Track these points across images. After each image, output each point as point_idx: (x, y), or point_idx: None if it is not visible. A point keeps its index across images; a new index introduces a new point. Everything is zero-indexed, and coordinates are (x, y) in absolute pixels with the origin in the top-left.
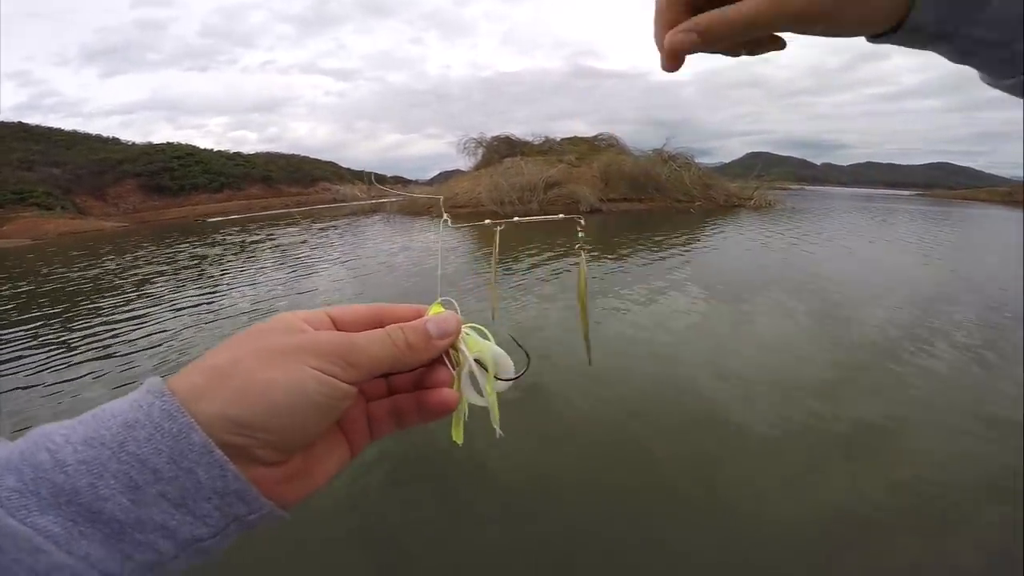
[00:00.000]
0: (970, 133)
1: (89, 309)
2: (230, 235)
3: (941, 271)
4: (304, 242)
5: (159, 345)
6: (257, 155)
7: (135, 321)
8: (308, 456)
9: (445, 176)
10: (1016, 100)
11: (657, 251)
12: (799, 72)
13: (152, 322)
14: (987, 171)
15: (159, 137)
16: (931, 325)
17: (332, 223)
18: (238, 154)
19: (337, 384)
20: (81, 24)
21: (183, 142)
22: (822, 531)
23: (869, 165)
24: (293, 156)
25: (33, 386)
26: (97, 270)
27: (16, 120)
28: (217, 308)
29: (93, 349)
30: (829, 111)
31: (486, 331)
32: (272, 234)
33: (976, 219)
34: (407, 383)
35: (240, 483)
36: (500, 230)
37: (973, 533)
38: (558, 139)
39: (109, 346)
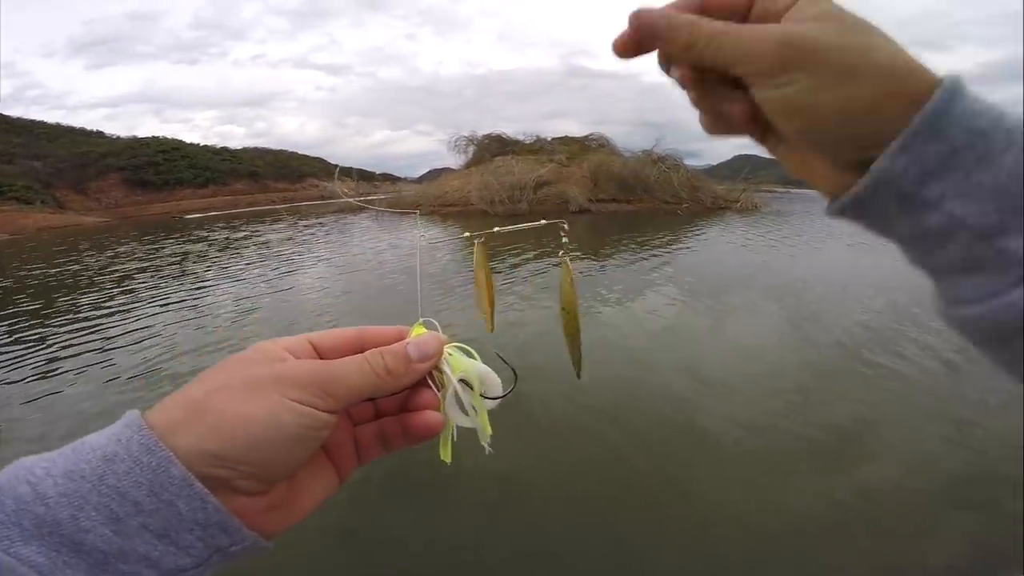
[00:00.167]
0: None
1: (67, 305)
2: (214, 231)
3: (917, 274)
4: (290, 239)
5: (142, 341)
6: (244, 150)
7: (116, 317)
8: (293, 484)
9: (435, 174)
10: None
11: (639, 252)
12: None
13: (134, 319)
14: None
15: (145, 131)
16: (902, 328)
17: (319, 220)
18: (225, 149)
19: (316, 414)
20: (70, 15)
21: (169, 136)
22: (795, 535)
23: None
24: (281, 151)
25: (12, 382)
26: (76, 266)
27: None
28: (199, 305)
29: (73, 346)
30: None
31: (471, 350)
32: (257, 230)
33: None
34: (393, 406)
35: (221, 515)
36: (480, 242)
37: (941, 536)
38: (549, 138)
39: (90, 343)
